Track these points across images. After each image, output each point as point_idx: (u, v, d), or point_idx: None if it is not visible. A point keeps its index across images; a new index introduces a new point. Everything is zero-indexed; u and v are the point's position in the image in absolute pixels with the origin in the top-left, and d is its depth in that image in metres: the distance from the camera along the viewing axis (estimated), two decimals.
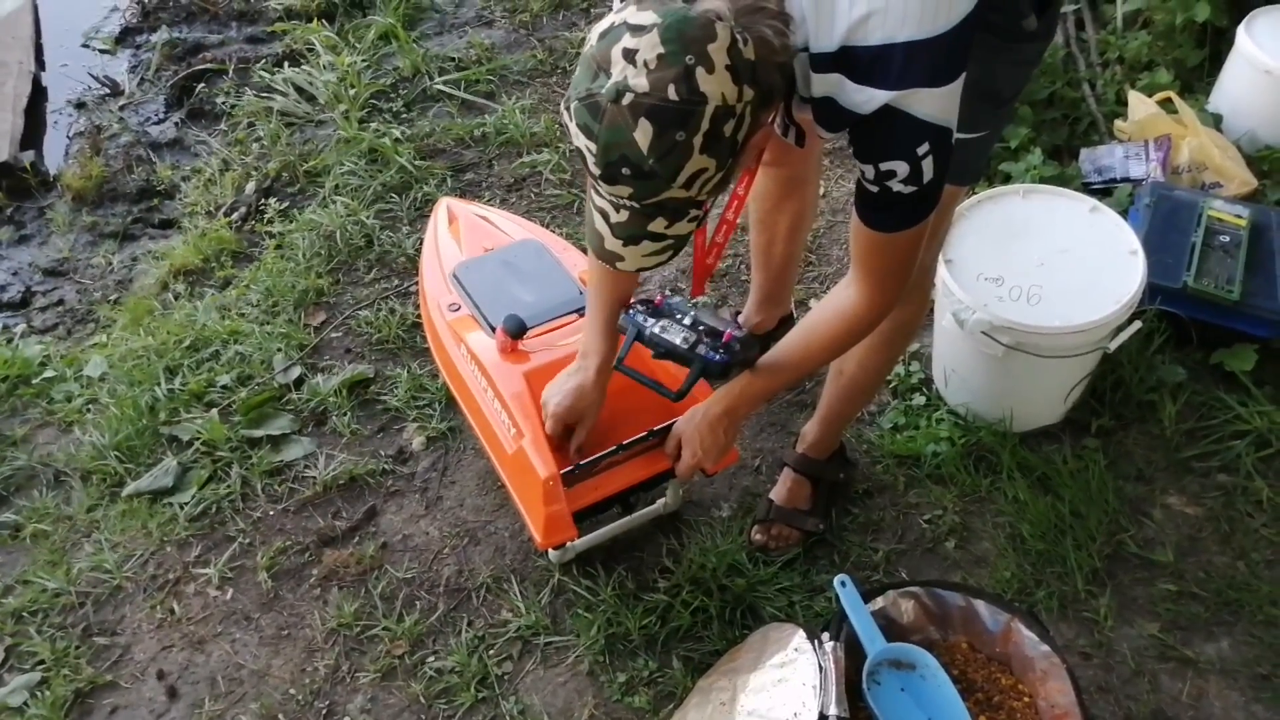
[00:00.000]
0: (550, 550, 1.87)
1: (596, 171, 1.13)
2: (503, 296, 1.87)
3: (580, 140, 1.12)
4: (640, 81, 1.06)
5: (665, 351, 1.55)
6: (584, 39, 3.25)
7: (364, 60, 3.17)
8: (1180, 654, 1.78)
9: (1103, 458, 2.03)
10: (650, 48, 1.06)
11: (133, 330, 2.47)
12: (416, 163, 2.83)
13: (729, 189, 1.35)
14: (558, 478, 1.62)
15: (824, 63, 1.18)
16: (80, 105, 3.36)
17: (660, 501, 1.96)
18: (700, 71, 1.06)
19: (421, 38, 3.35)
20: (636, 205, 1.16)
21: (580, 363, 1.66)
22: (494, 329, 1.79)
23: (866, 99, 1.18)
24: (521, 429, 1.67)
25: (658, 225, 1.18)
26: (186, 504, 2.08)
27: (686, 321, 1.57)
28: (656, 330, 1.56)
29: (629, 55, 1.07)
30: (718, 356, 1.54)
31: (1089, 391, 2.11)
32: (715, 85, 1.07)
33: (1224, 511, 1.97)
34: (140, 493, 2.11)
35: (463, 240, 2.08)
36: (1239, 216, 2.20)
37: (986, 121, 1.51)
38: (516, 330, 1.76)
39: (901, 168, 1.22)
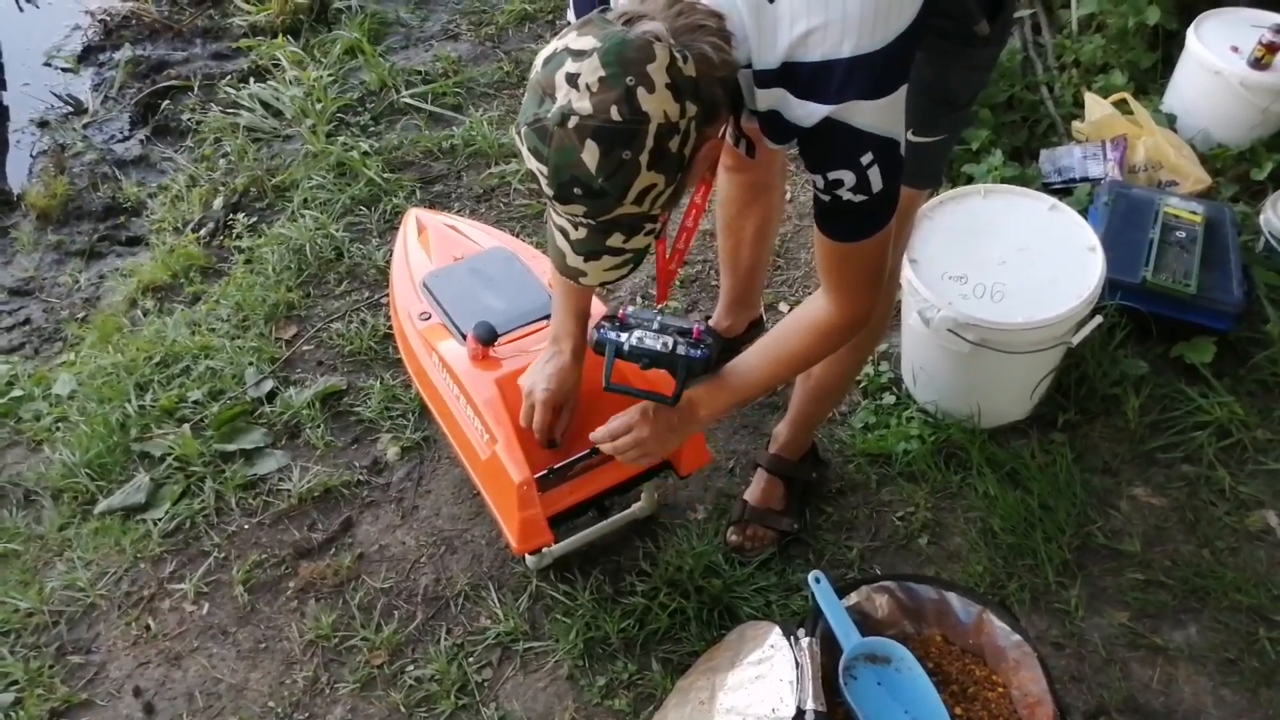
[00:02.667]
0: (527, 556, 1.88)
1: (550, 193, 1.15)
2: (473, 304, 1.88)
3: (532, 163, 1.14)
4: (584, 104, 1.08)
5: (650, 361, 1.56)
6: None
7: (330, 75, 3.17)
8: (1150, 642, 1.81)
9: (1070, 451, 2.07)
10: (592, 71, 1.08)
11: (101, 348, 2.45)
12: (385, 175, 2.84)
13: (685, 199, 1.37)
14: (531, 482, 1.63)
15: (767, 79, 1.21)
16: (43, 124, 3.33)
17: (635, 505, 1.97)
18: (641, 91, 1.08)
19: (388, 52, 3.36)
20: (592, 222, 1.18)
21: (554, 348, 1.67)
22: (465, 336, 1.80)
23: (808, 113, 1.21)
24: (494, 434, 1.68)
25: (615, 240, 1.21)
26: (160, 520, 2.07)
27: (655, 327, 1.58)
28: (634, 342, 1.56)
29: (572, 80, 1.09)
30: (698, 353, 1.55)
31: (1054, 387, 2.15)
32: (657, 104, 1.09)
33: (1188, 501, 2.01)
34: (112, 510, 2.09)
35: (432, 250, 2.09)
36: (1194, 213, 2.25)
37: (944, 125, 1.54)
38: (487, 337, 1.77)
39: (848, 177, 1.25)
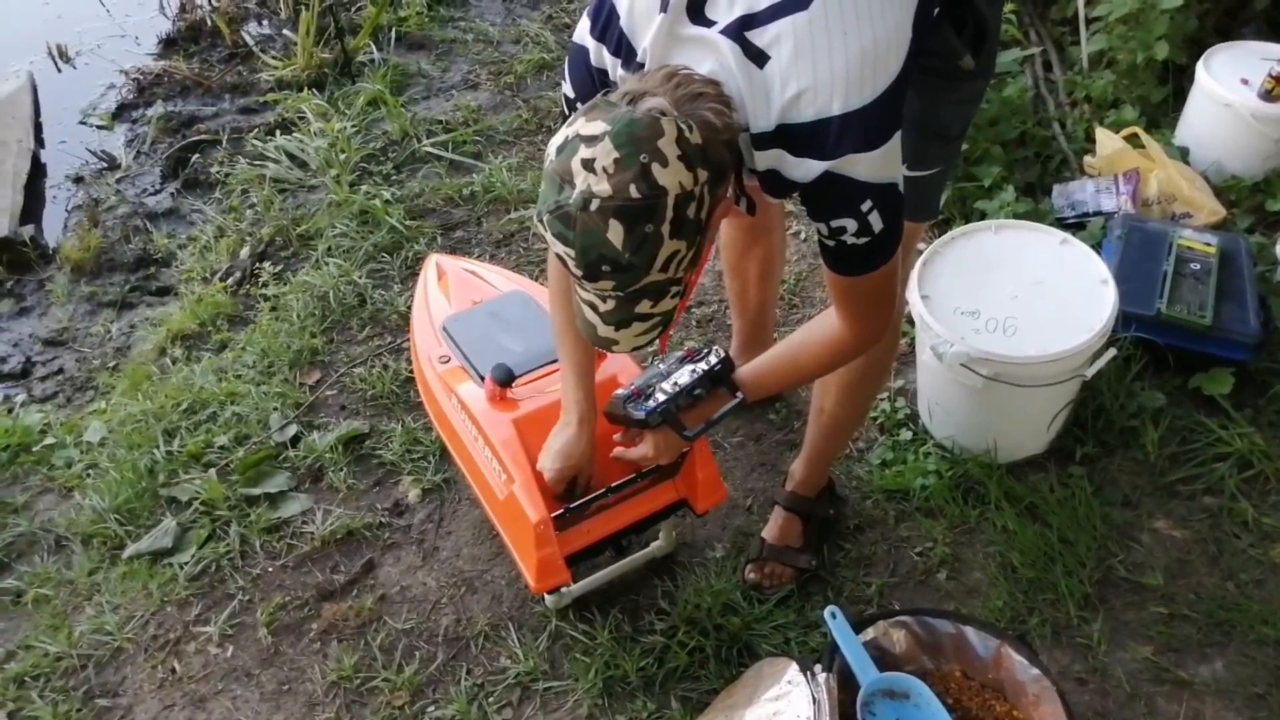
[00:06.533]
0: (546, 595, 1.89)
1: (579, 273, 1.18)
2: (491, 347, 1.91)
3: (558, 247, 1.18)
4: (603, 187, 1.12)
5: (699, 391, 1.58)
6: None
7: (354, 126, 3.26)
8: (1175, 676, 1.79)
9: (1089, 485, 2.06)
10: (606, 154, 1.12)
11: (131, 395, 2.51)
12: (407, 222, 2.90)
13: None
14: (549, 521, 1.65)
15: (764, 141, 1.24)
16: (78, 179, 3.44)
17: (654, 544, 1.98)
18: (655, 167, 1.12)
19: (409, 102, 3.44)
20: (621, 294, 1.21)
21: (563, 419, 1.71)
22: (483, 379, 1.83)
23: (807, 170, 1.24)
24: (512, 475, 1.70)
25: (643, 307, 1.24)
26: (186, 563, 2.10)
27: (664, 371, 1.63)
28: (672, 392, 1.57)
29: (588, 165, 1.13)
30: (716, 356, 1.60)
31: (1072, 420, 2.14)
32: (672, 176, 1.13)
33: (1211, 533, 1.99)
34: (140, 554, 2.13)
35: (452, 294, 2.13)
36: (1208, 244, 2.25)
37: (937, 158, 1.57)
38: (505, 379, 1.79)
39: (850, 224, 1.28)
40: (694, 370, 1.59)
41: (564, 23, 3.80)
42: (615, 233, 1.13)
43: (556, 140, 1.19)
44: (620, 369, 1.84)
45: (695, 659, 1.85)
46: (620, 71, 1.31)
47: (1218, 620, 1.85)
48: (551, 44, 3.64)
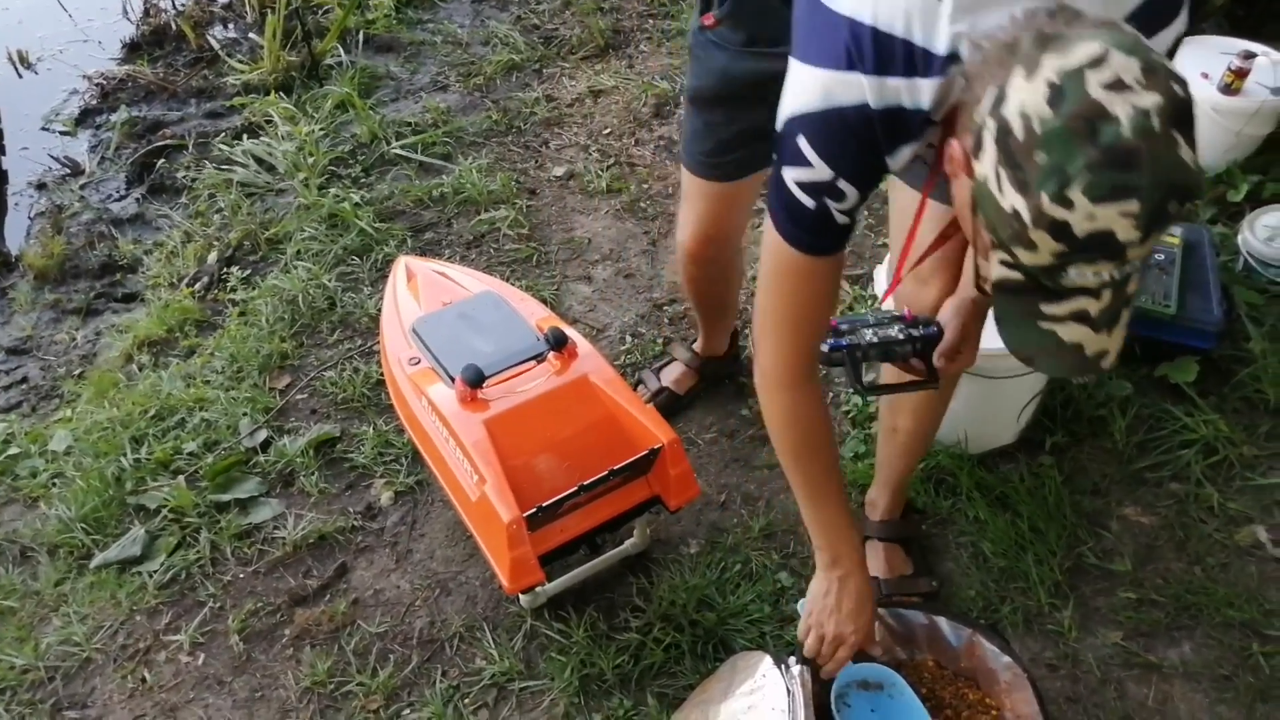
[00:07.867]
0: (521, 595, 1.88)
1: (1136, 235, 0.93)
2: (461, 348, 1.90)
3: (1107, 218, 0.92)
4: (1152, 99, 0.91)
5: (896, 354, 1.47)
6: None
7: (322, 129, 3.23)
8: (1144, 660, 1.81)
9: (1058, 474, 2.08)
10: (1127, 66, 0.92)
11: (97, 403, 2.48)
12: (376, 225, 2.88)
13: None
14: (521, 521, 1.64)
15: None
16: (41, 186, 3.40)
17: (628, 541, 1.98)
18: (1166, 61, 0.96)
19: (378, 105, 3.42)
20: (1136, 265, 0.98)
21: (832, 573, 1.49)
22: (454, 380, 1.82)
23: None
24: (484, 475, 1.69)
25: (1133, 285, 1.00)
26: (155, 572, 2.08)
27: (873, 322, 1.50)
28: (872, 339, 1.45)
29: (1116, 86, 0.91)
30: (933, 329, 1.48)
31: (1041, 410, 2.16)
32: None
33: (1178, 519, 2.02)
34: (108, 563, 2.10)
35: (421, 296, 2.12)
36: (1172, 235, 2.28)
37: None
38: (475, 379, 1.79)
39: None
40: (906, 331, 1.46)
41: (532, 24, 3.80)
42: (1184, 147, 0.92)
43: (1035, 95, 0.93)
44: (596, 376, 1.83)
45: (671, 655, 1.85)
46: (925, 81, 1.07)
47: (1185, 604, 1.88)
48: (520, 45, 3.63)
